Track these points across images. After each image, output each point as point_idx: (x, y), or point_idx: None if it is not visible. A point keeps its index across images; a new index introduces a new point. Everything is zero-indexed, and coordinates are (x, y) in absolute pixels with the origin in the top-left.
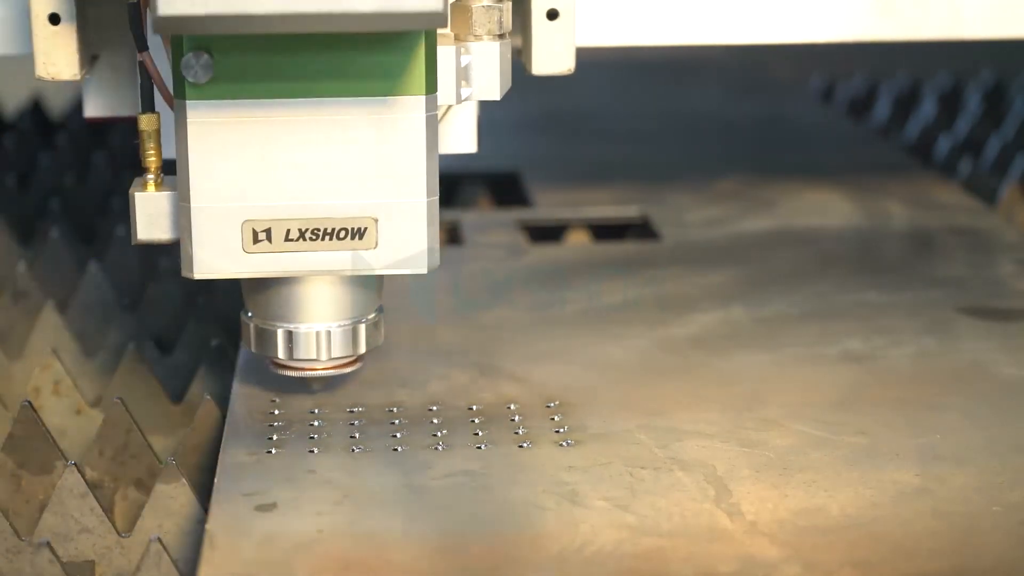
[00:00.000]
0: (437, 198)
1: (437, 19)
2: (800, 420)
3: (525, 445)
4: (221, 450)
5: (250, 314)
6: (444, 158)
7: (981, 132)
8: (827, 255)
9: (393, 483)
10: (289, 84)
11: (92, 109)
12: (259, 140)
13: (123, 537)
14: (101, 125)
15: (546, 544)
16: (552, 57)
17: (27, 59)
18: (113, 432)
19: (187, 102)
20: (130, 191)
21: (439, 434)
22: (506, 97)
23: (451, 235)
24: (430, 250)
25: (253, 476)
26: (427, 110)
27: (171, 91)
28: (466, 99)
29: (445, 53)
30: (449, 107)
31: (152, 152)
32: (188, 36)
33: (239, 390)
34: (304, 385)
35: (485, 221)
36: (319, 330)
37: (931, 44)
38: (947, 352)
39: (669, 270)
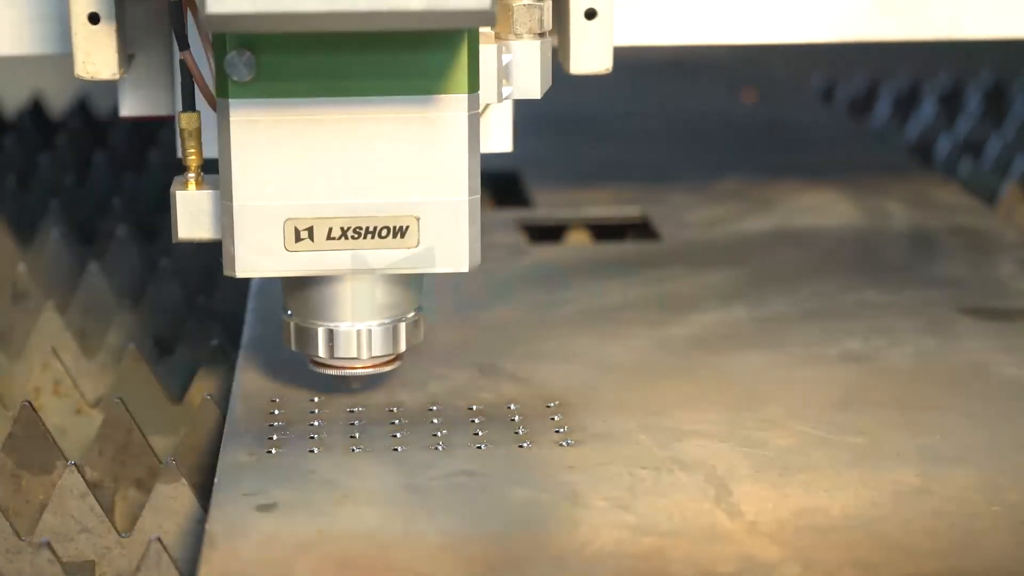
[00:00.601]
0: (479, 196)
1: (485, 17)
2: (800, 420)
3: (525, 445)
4: (221, 450)
5: (289, 312)
6: None
7: (981, 132)
8: (827, 255)
9: (393, 483)
10: (332, 83)
11: (128, 108)
12: (301, 138)
13: (123, 537)
14: (100, 125)
15: (546, 544)
16: (590, 56)
17: (27, 59)
18: (113, 432)
19: (230, 100)
20: (171, 189)
21: (439, 434)
22: None
23: None
24: (471, 248)
25: (253, 476)
26: (469, 109)
27: (213, 90)
28: (507, 98)
29: (487, 52)
30: (488, 105)
31: (193, 151)
32: (231, 34)
33: (239, 390)
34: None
35: (485, 221)
36: (360, 329)
37: (931, 44)
38: (947, 352)
39: (669, 270)
